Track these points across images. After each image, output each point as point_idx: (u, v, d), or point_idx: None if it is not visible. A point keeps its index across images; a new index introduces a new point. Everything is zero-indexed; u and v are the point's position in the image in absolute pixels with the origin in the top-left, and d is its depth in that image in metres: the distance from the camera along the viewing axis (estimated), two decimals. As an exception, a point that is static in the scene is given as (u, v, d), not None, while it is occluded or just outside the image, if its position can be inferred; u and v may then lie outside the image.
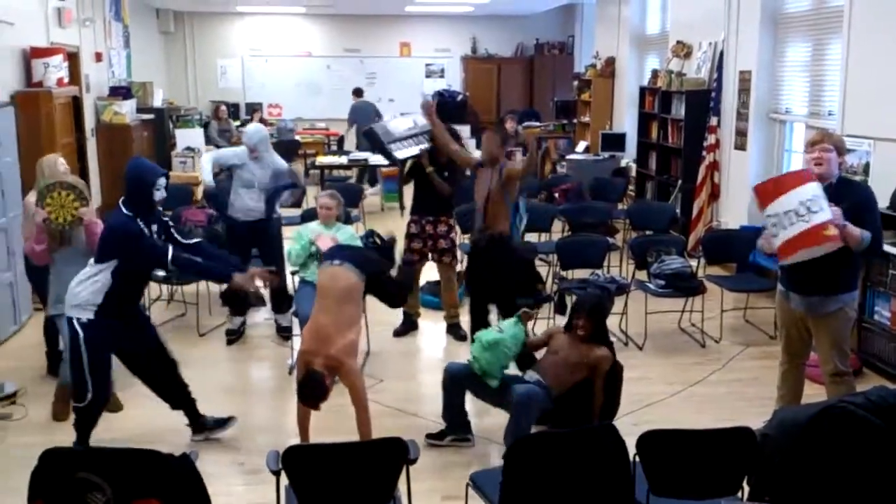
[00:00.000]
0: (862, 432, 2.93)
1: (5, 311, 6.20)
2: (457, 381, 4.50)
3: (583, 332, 4.46)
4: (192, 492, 2.84)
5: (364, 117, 13.54)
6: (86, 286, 4.22)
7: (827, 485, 2.91)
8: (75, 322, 4.21)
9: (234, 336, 6.27)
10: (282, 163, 6.31)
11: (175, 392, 4.59)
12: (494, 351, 4.33)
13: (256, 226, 6.12)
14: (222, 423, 4.70)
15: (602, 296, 5.00)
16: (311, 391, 4.01)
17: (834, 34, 6.66)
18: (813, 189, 3.91)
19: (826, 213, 3.88)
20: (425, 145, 6.34)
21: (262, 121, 14.35)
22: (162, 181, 4.33)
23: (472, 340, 4.57)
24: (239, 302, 6.33)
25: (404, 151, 6.48)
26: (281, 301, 6.33)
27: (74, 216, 4.69)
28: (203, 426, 4.67)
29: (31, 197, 5.24)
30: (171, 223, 4.56)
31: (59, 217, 4.67)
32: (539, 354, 4.69)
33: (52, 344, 5.54)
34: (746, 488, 3.22)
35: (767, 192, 4.05)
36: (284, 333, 6.27)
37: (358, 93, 13.81)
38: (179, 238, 4.54)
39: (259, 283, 4.73)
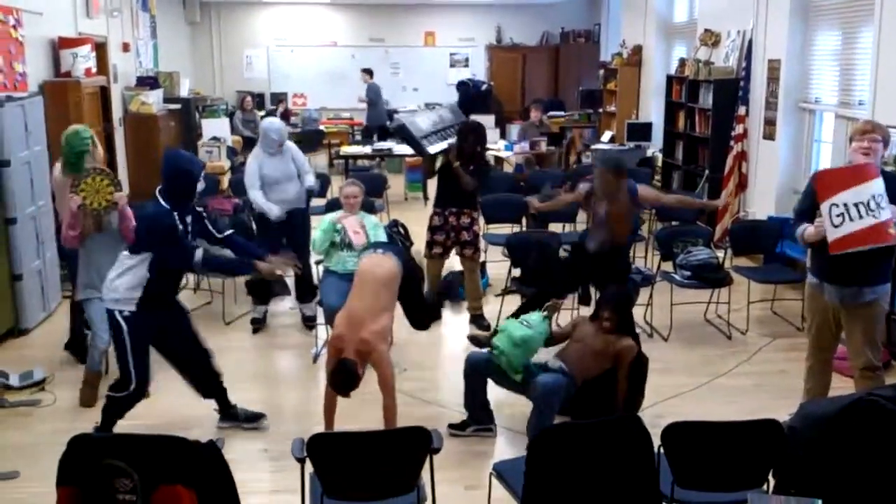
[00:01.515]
0: (891, 425, 2.89)
1: (34, 298, 6.28)
2: (478, 371, 4.50)
3: (609, 325, 4.45)
4: (219, 478, 2.87)
5: (378, 97, 13.81)
6: (124, 280, 4.26)
7: (855, 478, 2.88)
8: (118, 315, 4.25)
9: (260, 325, 6.31)
10: (298, 150, 6.33)
11: (208, 381, 4.64)
12: (523, 348, 4.33)
13: (283, 220, 6.10)
14: (253, 418, 4.73)
15: (628, 288, 4.98)
16: (343, 379, 4.04)
17: (865, 22, 6.55)
18: (880, 185, 3.88)
19: (888, 210, 3.86)
20: (452, 139, 6.33)
21: (286, 111, 14.43)
22: (202, 174, 4.41)
23: (495, 331, 4.56)
24: (262, 291, 6.37)
25: (435, 146, 6.47)
26: (305, 290, 6.35)
27: (109, 201, 4.75)
28: (234, 416, 4.71)
29: (56, 169, 5.28)
30: (205, 215, 4.59)
31: (94, 202, 4.73)
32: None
33: (75, 333, 5.61)
34: (772, 481, 3.19)
35: (834, 180, 3.97)
36: (309, 323, 6.29)
37: (370, 72, 14.12)
38: (213, 230, 4.58)
39: (283, 270, 4.82)
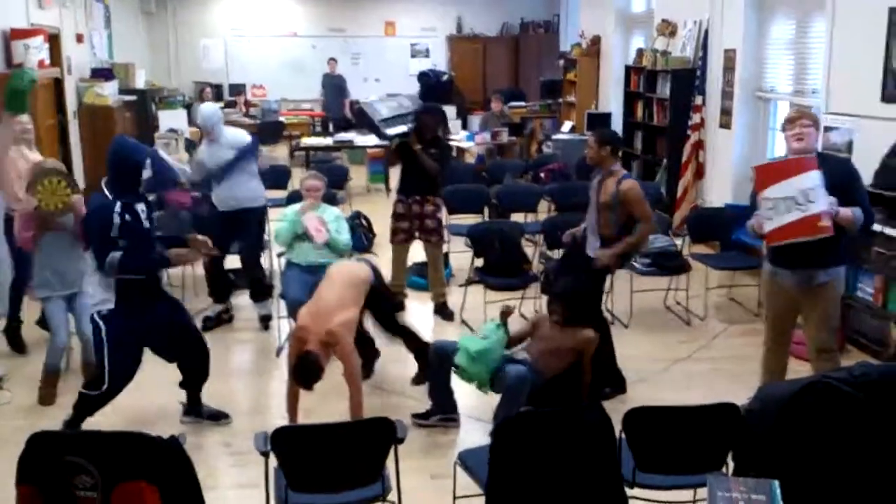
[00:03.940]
0: (844, 406, 2.96)
1: (-12, 296, 6.15)
2: (442, 360, 4.50)
3: (558, 318, 4.47)
4: (181, 474, 2.84)
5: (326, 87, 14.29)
6: (94, 281, 4.21)
7: (811, 459, 2.95)
8: (96, 315, 4.19)
9: (212, 323, 6.14)
10: (240, 135, 6.08)
11: (196, 378, 4.60)
12: (483, 361, 4.31)
13: (234, 215, 5.95)
14: (216, 416, 4.70)
15: (574, 281, 4.88)
16: (306, 372, 4.04)
17: (817, 12, 6.66)
18: (813, 178, 3.95)
19: (822, 203, 3.93)
20: (412, 125, 6.31)
21: (246, 103, 14.30)
22: (147, 161, 4.26)
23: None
24: (220, 288, 6.25)
25: (393, 129, 6.43)
26: (258, 290, 6.19)
27: (66, 203, 4.67)
28: (199, 413, 4.68)
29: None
30: (152, 209, 4.46)
31: (50, 204, 4.65)
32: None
33: (9, 325, 5.64)
34: (731, 463, 3.26)
35: (768, 173, 4.07)
36: (264, 322, 6.15)
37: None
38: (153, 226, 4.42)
39: (195, 256, 4.56)
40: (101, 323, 4.18)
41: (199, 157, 6.01)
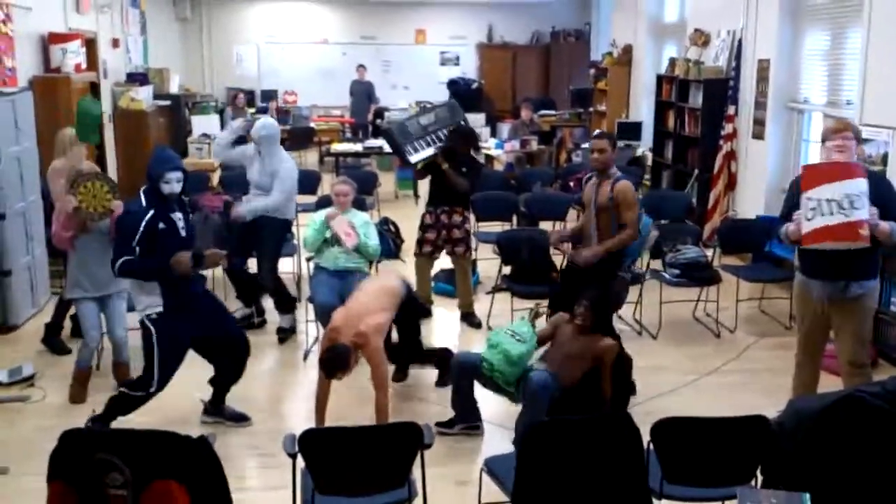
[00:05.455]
0: (876, 421, 2.92)
1: (24, 294, 6.25)
2: (466, 372, 4.50)
3: (581, 322, 4.44)
4: (211, 474, 2.86)
5: (354, 94, 14.30)
6: (141, 291, 4.27)
7: (842, 473, 2.91)
8: (146, 320, 4.24)
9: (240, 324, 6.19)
10: (283, 168, 5.94)
11: (229, 376, 4.64)
12: (520, 365, 4.33)
13: (255, 221, 5.91)
14: (238, 418, 4.73)
15: (609, 291, 4.83)
16: (333, 360, 4.10)
17: (853, 23, 6.59)
18: (860, 185, 3.93)
19: (864, 212, 3.91)
20: (441, 144, 6.31)
21: (277, 109, 14.41)
22: (172, 175, 4.20)
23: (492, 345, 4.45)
24: (246, 292, 6.27)
25: (419, 154, 6.38)
26: (279, 301, 6.12)
27: (106, 207, 4.75)
28: (221, 413, 4.71)
29: (57, 163, 5.42)
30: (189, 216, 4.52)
31: (91, 207, 4.73)
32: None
33: (51, 327, 5.73)
34: (760, 477, 3.22)
35: (817, 174, 4.05)
36: (281, 335, 6.06)
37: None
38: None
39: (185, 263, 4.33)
40: (151, 326, 4.23)
41: (250, 175, 6.08)
